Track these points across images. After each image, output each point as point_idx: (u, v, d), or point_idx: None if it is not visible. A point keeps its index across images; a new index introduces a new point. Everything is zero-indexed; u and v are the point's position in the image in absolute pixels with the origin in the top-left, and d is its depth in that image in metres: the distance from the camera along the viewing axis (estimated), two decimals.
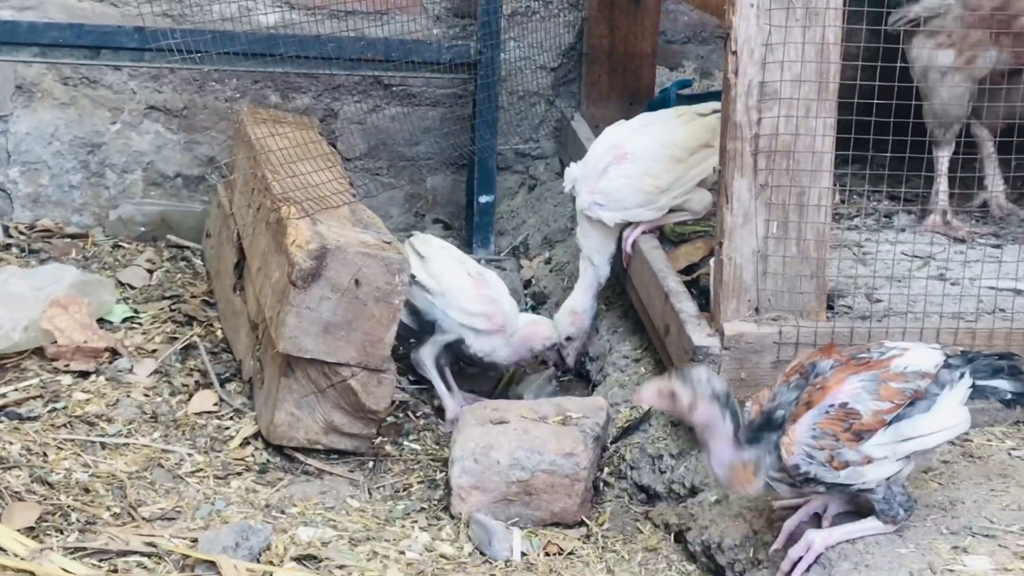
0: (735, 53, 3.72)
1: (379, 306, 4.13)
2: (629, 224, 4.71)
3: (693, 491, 3.91)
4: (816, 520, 3.45)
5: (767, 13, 3.69)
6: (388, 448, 4.42)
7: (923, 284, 4.11)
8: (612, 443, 4.30)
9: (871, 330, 3.85)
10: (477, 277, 4.67)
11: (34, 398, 4.36)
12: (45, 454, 4.02)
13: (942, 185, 4.85)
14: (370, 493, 4.15)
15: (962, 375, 3.31)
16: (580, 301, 4.84)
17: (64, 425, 4.22)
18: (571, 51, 6.13)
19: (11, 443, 4.02)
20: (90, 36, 5.44)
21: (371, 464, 4.30)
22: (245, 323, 4.66)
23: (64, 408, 4.32)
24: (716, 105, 4.79)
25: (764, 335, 3.80)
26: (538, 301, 5.41)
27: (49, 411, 4.29)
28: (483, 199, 5.86)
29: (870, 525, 3.35)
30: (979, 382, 3.32)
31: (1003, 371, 3.34)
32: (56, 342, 4.59)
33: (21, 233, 5.68)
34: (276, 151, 4.76)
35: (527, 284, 5.50)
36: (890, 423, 3.22)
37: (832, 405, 3.23)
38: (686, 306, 4.09)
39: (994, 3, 4.53)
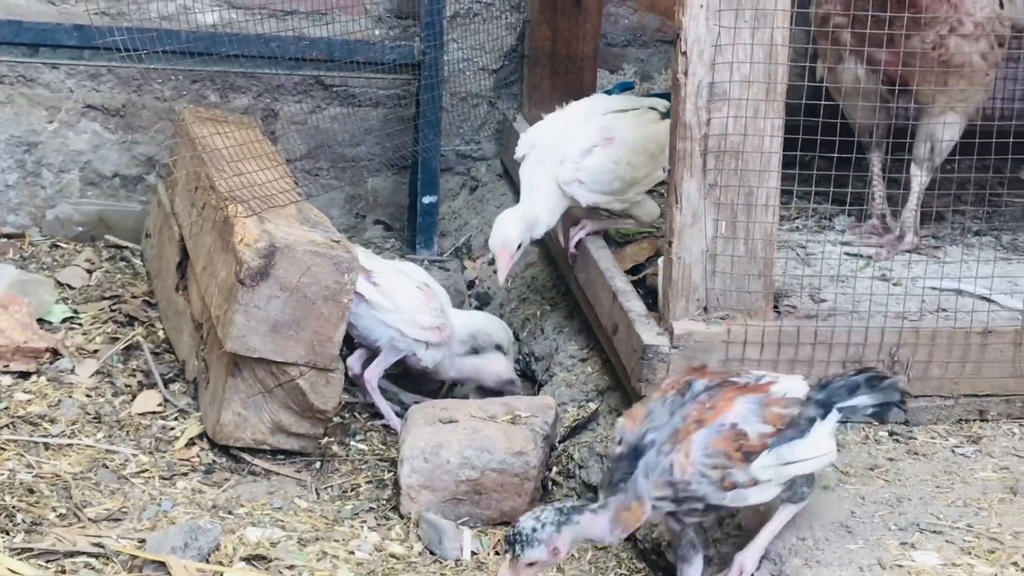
0: (685, 54, 3.74)
1: (328, 305, 4.11)
2: (590, 207, 4.68)
3: None
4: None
5: (716, 14, 3.72)
6: (335, 448, 4.40)
7: (867, 284, 4.16)
8: (560, 442, 4.30)
9: (817, 329, 3.89)
10: (426, 289, 4.60)
11: None
12: None
13: (877, 188, 4.92)
14: (318, 493, 4.13)
15: (831, 407, 3.32)
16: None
17: (6, 426, 4.16)
18: (513, 53, 6.14)
19: None
20: (29, 34, 5.37)
21: (318, 464, 4.28)
22: (188, 323, 4.61)
23: (5, 409, 4.26)
24: None
25: (713, 334, 3.82)
26: (482, 302, 5.41)
27: None
28: (426, 200, 5.85)
29: (784, 515, 3.35)
30: (839, 403, 3.33)
31: (859, 386, 3.36)
32: None
33: None
34: (220, 150, 4.72)
35: (471, 285, 5.49)
36: (771, 447, 3.24)
37: (723, 425, 3.22)
38: (634, 305, 4.10)
39: (822, 11, 4.58)
